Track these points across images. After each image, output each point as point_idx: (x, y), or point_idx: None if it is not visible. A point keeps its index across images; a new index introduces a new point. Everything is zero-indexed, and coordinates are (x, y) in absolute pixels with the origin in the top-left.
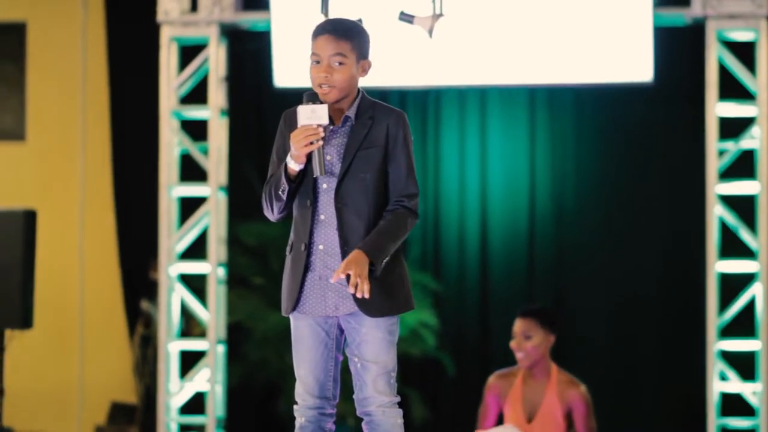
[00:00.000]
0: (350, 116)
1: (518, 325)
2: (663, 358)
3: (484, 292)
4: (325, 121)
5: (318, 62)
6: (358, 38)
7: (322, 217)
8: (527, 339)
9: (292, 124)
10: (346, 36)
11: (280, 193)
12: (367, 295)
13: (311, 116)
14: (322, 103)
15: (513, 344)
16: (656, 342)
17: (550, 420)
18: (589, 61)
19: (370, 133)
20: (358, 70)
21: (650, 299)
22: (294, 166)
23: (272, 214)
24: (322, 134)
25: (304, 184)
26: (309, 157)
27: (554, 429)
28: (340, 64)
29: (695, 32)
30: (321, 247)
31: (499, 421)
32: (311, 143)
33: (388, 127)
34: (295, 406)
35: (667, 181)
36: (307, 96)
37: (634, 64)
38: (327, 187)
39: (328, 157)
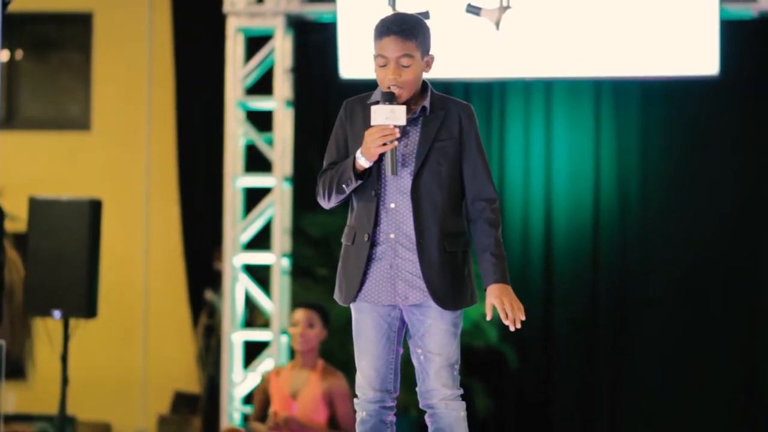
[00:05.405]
0: (426, 106)
1: (303, 314)
2: (725, 355)
3: (547, 285)
4: (403, 122)
5: (385, 65)
6: (422, 35)
7: (392, 205)
8: (311, 327)
9: (353, 114)
10: (411, 35)
11: (343, 186)
12: (518, 325)
13: (390, 116)
14: (399, 104)
15: (294, 330)
16: (718, 337)
17: (311, 399)
18: (655, 54)
19: (443, 125)
20: (423, 66)
21: (714, 295)
22: (364, 163)
23: (327, 203)
24: (398, 135)
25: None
26: (380, 155)
27: (314, 408)
28: (408, 65)
29: (762, 25)
30: (392, 236)
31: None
32: (385, 144)
33: (461, 119)
34: (355, 400)
35: (733, 174)
36: (385, 96)
37: (700, 57)
38: (396, 175)
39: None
